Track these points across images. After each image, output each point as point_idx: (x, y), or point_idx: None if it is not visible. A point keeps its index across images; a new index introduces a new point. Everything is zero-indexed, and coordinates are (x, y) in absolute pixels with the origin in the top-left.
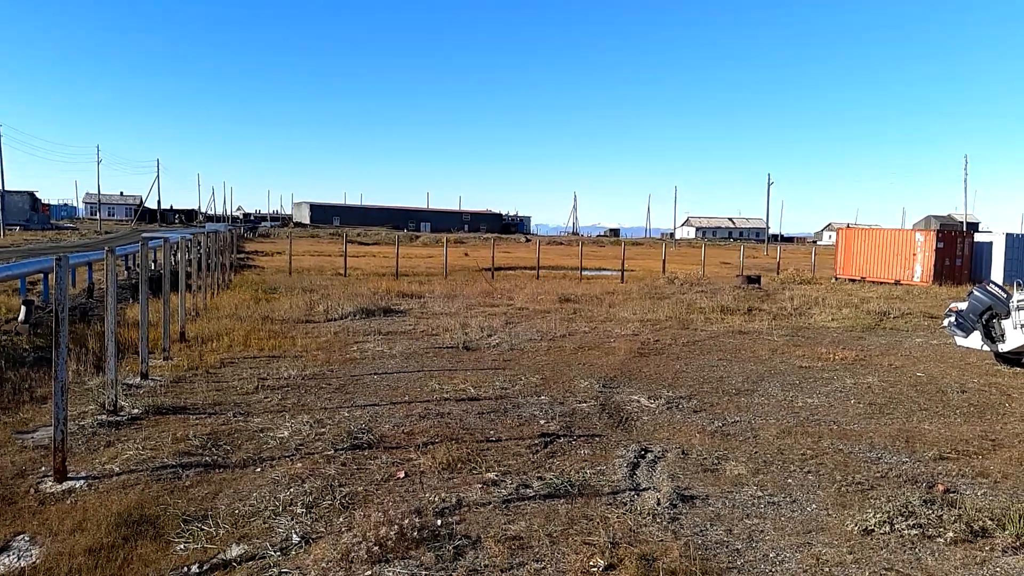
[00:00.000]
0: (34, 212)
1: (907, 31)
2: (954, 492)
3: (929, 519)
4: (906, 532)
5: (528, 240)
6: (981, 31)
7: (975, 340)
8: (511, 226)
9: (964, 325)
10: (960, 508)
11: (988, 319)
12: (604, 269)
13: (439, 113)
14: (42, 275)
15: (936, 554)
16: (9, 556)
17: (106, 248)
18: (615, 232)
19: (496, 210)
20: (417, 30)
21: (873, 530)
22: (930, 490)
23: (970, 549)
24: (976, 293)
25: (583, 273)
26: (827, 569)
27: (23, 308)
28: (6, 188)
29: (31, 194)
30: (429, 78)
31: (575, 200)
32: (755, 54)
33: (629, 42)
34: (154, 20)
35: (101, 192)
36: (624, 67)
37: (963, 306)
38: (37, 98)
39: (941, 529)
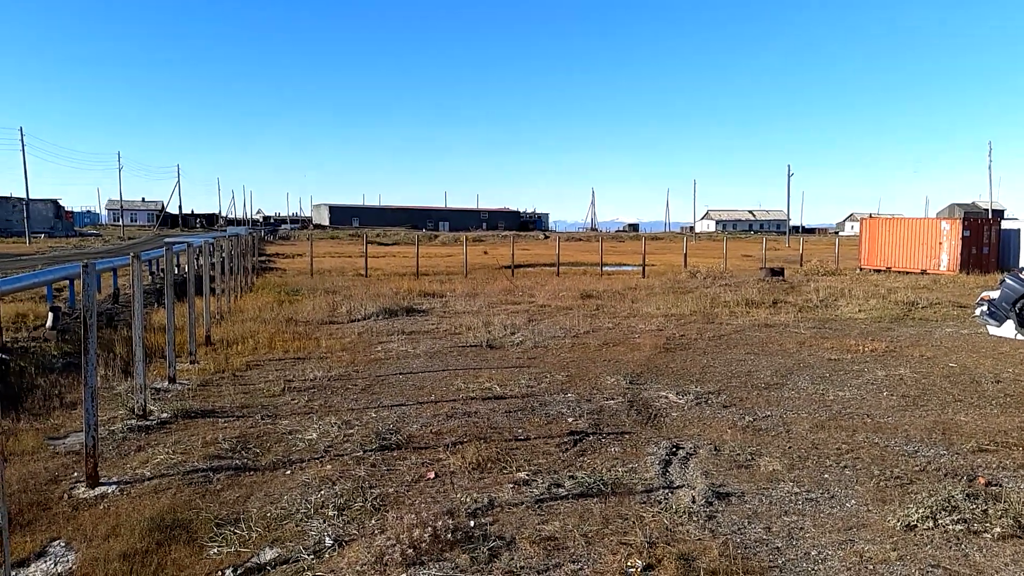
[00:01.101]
0: (58, 219)
1: (927, 18)
2: (996, 485)
3: (974, 514)
4: (950, 527)
5: (547, 237)
6: (1002, 16)
7: (1008, 329)
8: (529, 223)
9: (997, 314)
10: (1006, 502)
11: (1022, 307)
12: (624, 264)
13: (455, 112)
14: (68, 282)
15: (984, 550)
16: (46, 562)
17: (132, 254)
18: (634, 227)
19: (514, 208)
20: (433, 30)
21: (916, 526)
22: (971, 483)
23: (1019, 544)
24: (1008, 281)
25: (603, 269)
26: (871, 567)
27: (50, 315)
28: (31, 196)
29: (55, 202)
30: (445, 78)
31: (593, 195)
32: (773, 45)
33: (646, 35)
34: (173, 28)
35: (123, 198)
36: (641, 61)
37: (995, 295)
38: (59, 107)
39: (987, 524)
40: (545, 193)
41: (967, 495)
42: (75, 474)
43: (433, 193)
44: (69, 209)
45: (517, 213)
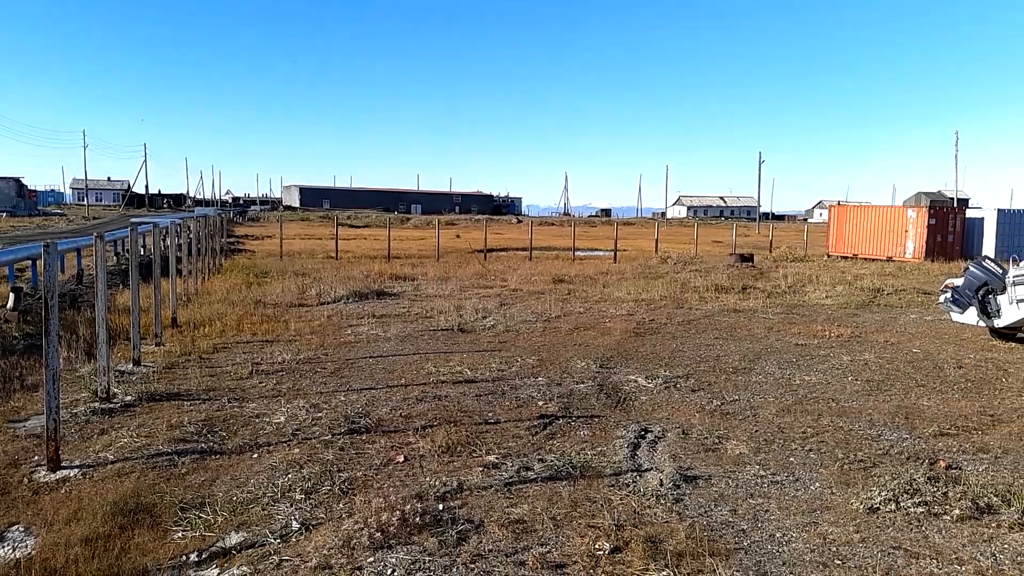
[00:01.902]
0: (21, 198)
1: (895, 7)
2: (956, 468)
3: (934, 496)
4: (912, 510)
5: (519, 221)
6: (969, 6)
7: (971, 316)
8: (502, 207)
9: (960, 301)
10: (965, 485)
11: (984, 295)
12: (596, 249)
13: (428, 94)
14: (30, 262)
15: (943, 532)
16: (4, 547)
17: (96, 234)
18: (606, 212)
19: (487, 191)
20: (405, 11)
21: (878, 508)
22: (932, 467)
23: (977, 526)
24: (972, 269)
25: (576, 254)
26: (834, 548)
27: (11, 295)
28: None
29: (17, 180)
30: (418, 60)
31: (566, 180)
32: (745, 33)
33: (619, 21)
34: (140, 4)
35: (88, 177)
36: (614, 46)
37: (959, 282)
38: (22, 83)
39: (947, 506)
40: (518, 177)
41: (928, 478)
42: (36, 458)
43: (405, 175)
44: (32, 188)
45: (490, 197)
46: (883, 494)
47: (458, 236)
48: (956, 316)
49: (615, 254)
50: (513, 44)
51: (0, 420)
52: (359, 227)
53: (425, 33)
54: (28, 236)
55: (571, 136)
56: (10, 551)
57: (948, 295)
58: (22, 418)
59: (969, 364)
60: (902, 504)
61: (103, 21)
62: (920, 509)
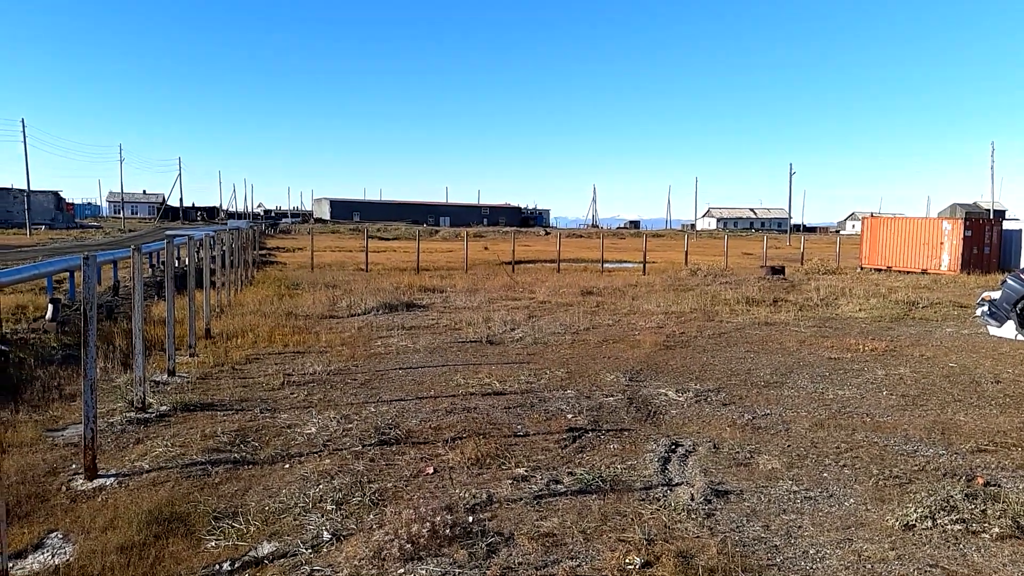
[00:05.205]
0: (59, 211)
1: (931, 16)
2: (995, 485)
3: (972, 514)
4: (949, 527)
5: (547, 233)
6: (1006, 15)
7: (1009, 329)
8: (530, 219)
9: (997, 314)
10: (1004, 502)
11: (1023, 308)
12: (625, 261)
13: (457, 108)
14: (68, 273)
15: (982, 550)
16: (44, 553)
17: (132, 246)
18: (635, 224)
19: (515, 203)
20: (435, 26)
21: (915, 525)
22: (970, 483)
23: (1017, 545)
24: (1010, 282)
25: (604, 266)
26: (869, 566)
27: (50, 306)
28: (32, 188)
29: (56, 193)
30: (447, 73)
31: (594, 192)
32: (776, 43)
33: (649, 33)
34: (176, 21)
35: (124, 191)
36: (644, 58)
37: (996, 295)
38: (61, 99)
39: (986, 524)
40: (546, 189)
41: (966, 495)
42: (73, 466)
43: (434, 188)
44: (70, 201)
45: (518, 209)
46: (919, 511)
47: (486, 248)
48: (993, 329)
49: (644, 266)
50: (542, 58)
51: (39, 429)
52: (388, 239)
53: (455, 49)
54: (66, 248)
55: (599, 148)
56: (49, 557)
57: (985, 308)
58: (60, 427)
59: (1007, 379)
60: (939, 521)
61: (139, 38)
62: (958, 527)
